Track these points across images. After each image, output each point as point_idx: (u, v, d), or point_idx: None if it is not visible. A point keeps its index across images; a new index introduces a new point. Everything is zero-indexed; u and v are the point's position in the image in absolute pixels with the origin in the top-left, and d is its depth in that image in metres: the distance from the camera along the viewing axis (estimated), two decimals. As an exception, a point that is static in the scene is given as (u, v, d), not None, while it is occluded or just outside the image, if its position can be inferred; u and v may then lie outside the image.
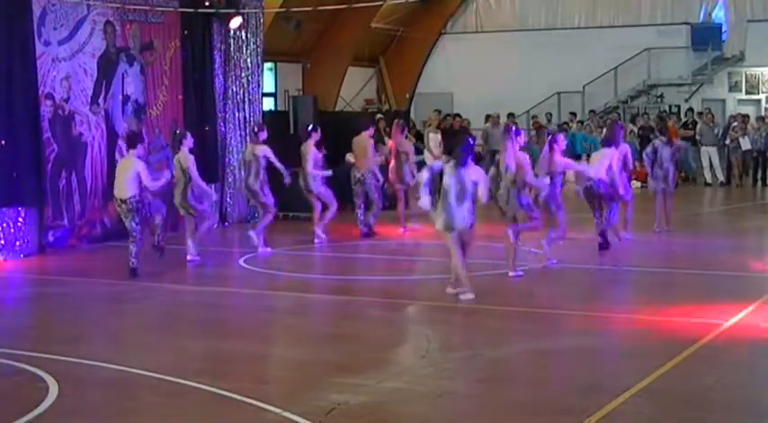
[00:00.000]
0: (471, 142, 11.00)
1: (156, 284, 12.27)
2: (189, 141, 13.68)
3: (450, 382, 7.90)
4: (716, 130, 25.77)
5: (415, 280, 12.77)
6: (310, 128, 15.73)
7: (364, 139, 16.11)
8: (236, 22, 17.71)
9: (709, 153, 25.52)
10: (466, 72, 30.86)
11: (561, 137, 13.23)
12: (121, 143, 15.45)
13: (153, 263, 13.15)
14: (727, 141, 25.51)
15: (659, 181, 16.12)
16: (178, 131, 14.43)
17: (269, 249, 14.46)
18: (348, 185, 16.07)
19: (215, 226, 13.82)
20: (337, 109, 27.99)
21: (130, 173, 12.31)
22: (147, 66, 16.61)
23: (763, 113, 27.62)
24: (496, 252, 13.05)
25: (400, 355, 9.07)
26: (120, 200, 12.43)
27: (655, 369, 7.85)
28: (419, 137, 24.42)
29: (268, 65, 25.79)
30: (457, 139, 11.10)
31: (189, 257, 13.67)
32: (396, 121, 17.14)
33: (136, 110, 16.38)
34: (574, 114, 28.09)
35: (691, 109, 27.91)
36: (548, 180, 12.48)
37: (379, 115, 22.58)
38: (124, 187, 12.36)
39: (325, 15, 26.17)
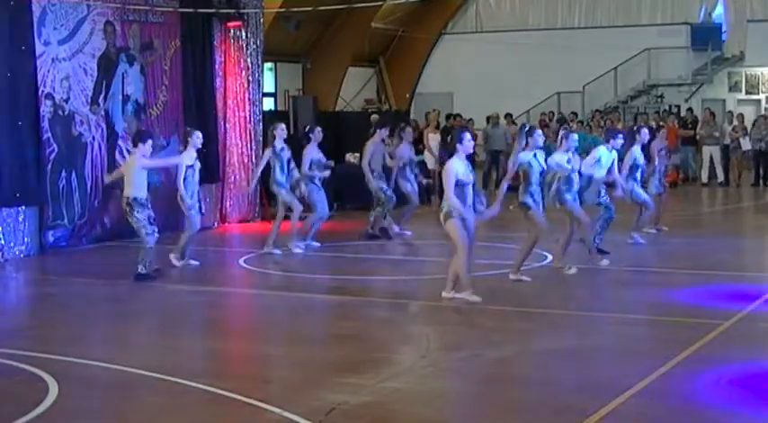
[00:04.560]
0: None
1: (156, 284, 12.26)
2: (195, 140, 13.40)
3: (450, 382, 7.89)
4: (716, 133, 25.78)
5: (415, 280, 12.76)
6: (307, 129, 15.48)
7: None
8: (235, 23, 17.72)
9: (711, 153, 25.53)
10: (466, 72, 30.89)
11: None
12: (126, 143, 15.48)
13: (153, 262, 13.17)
14: (728, 141, 25.54)
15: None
16: (188, 129, 14.30)
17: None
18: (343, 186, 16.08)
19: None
20: (337, 109, 28.01)
21: (132, 171, 12.22)
22: (147, 66, 16.60)
23: (763, 113, 27.63)
24: (496, 252, 13.05)
25: (400, 355, 9.06)
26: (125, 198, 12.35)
27: (655, 369, 7.85)
28: (419, 137, 24.42)
29: (268, 65, 25.80)
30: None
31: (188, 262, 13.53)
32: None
33: (136, 110, 16.38)
34: (575, 114, 28.12)
35: (690, 109, 27.94)
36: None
37: (374, 116, 22.59)
38: (126, 186, 12.28)
39: (325, 15, 26.20)
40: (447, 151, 10.67)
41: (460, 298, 10.71)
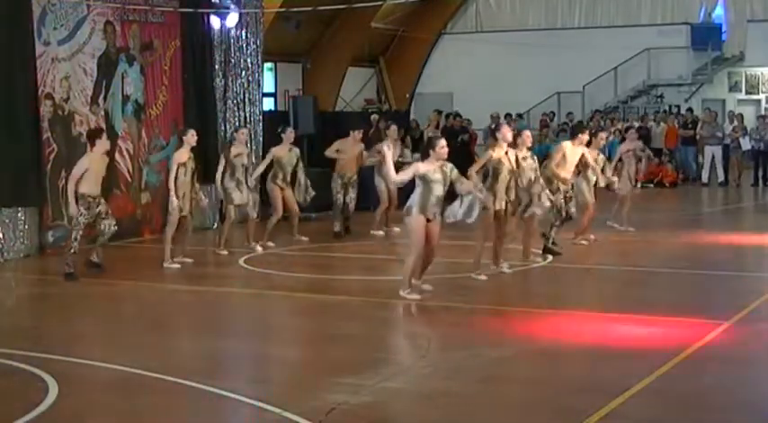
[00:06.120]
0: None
1: (156, 284, 12.27)
2: (190, 138, 13.39)
3: (450, 382, 7.89)
4: (719, 134, 25.78)
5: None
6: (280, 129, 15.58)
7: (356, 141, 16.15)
8: (232, 19, 17.66)
9: (713, 153, 25.53)
10: (466, 72, 30.87)
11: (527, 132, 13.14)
12: (125, 143, 15.48)
13: (152, 262, 13.16)
14: (728, 141, 25.55)
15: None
16: (181, 128, 14.34)
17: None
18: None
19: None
20: (337, 109, 28.00)
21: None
22: (147, 66, 16.60)
23: (763, 113, 27.64)
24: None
25: (400, 355, 9.07)
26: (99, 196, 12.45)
27: (655, 369, 7.84)
28: (420, 138, 24.44)
29: (268, 65, 25.79)
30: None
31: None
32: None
33: (136, 110, 16.38)
34: (570, 113, 28.14)
35: (690, 109, 27.94)
36: None
37: (374, 116, 22.58)
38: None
39: (325, 15, 26.18)
40: (421, 153, 10.94)
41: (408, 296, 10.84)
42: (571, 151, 13.72)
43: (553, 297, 11.48)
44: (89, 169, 12.24)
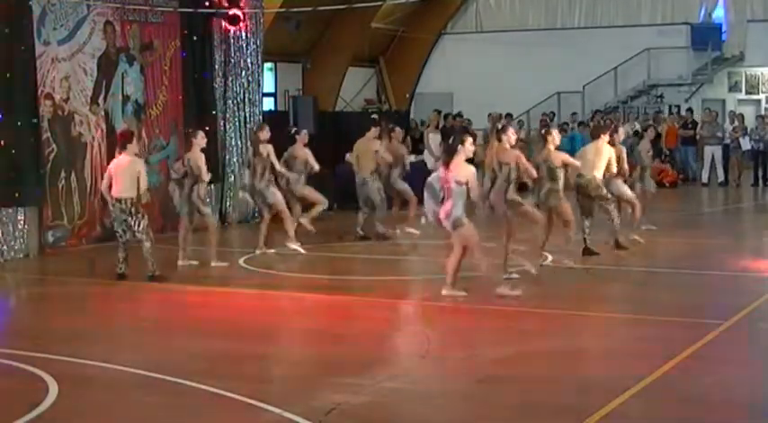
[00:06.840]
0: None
1: (156, 284, 12.26)
2: (201, 140, 13.46)
3: (451, 382, 7.89)
4: (719, 134, 25.78)
5: (414, 280, 12.76)
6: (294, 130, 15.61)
7: (369, 140, 15.99)
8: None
9: (713, 153, 25.53)
10: (466, 72, 30.86)
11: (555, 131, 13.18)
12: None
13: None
14: (728, 141, 25.55)
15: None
16: (190, 130, 14.37)
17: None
18: (343, 186, 16.04)
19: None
20: (337, 109, 28.00)
21: (132, 173, 12.13)
22: (147, 66, 16.61)
23: (762, 113, 27.63)
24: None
25: (400, 355, 9.07)
26: (118, 200, 12.29)
27: (655, 369, 7.84)
28: (420, 138, 24.46)
29: (268, 65, 25.78)
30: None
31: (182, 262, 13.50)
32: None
33: (136, 110, 16.39)
34: (575, 114, 28.12)
35: (690, 109, 27.94)
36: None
37: (374, 116, 22.58)
38: (127, 187, 12.15)
39: (326, 15, 26.16)
40: (447, 151, 10.78)
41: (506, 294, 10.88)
42: (608, 150, 13.78)
43: (553, 297, 11.47)
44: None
